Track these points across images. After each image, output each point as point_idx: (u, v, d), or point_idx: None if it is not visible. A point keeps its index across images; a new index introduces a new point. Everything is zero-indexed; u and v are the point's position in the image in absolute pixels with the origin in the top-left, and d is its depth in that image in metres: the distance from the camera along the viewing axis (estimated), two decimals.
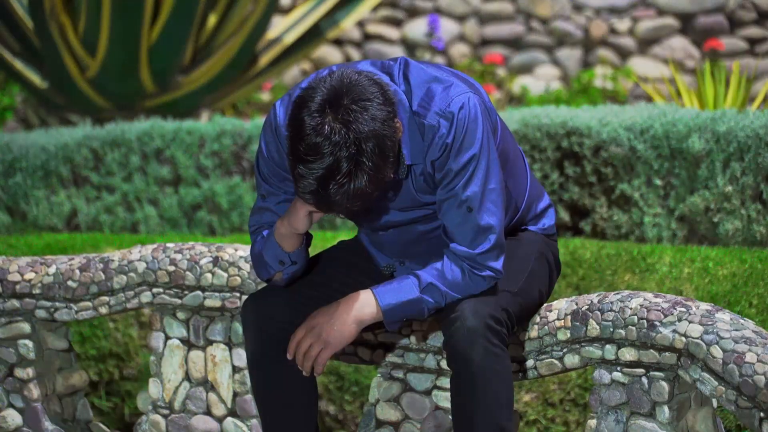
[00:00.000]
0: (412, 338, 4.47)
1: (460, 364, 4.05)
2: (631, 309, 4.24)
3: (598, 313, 4.28)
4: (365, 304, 4.07)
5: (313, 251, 4.30)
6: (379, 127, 3.78)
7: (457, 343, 4.03)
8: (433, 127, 3.94)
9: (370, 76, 3.88)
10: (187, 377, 4.83)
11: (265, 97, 10.58)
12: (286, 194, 4.12)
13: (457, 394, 4.11)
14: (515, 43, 11.46)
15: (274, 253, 4.12)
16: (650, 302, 4.24)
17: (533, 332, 4.36)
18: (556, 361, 4.35)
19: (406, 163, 3.99)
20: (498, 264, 4.07)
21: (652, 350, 4.20)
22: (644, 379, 4.23)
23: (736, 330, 4.15)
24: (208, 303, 4.76)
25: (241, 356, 4.73)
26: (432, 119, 3.94)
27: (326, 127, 3.72)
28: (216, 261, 4.76)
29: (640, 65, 11.35)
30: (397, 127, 3.85)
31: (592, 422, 4.32)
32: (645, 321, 4.21)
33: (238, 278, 4.71)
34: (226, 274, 4.74)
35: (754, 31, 11.54)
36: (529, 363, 4.37)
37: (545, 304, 4.41)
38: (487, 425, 4.10)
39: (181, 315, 4.82)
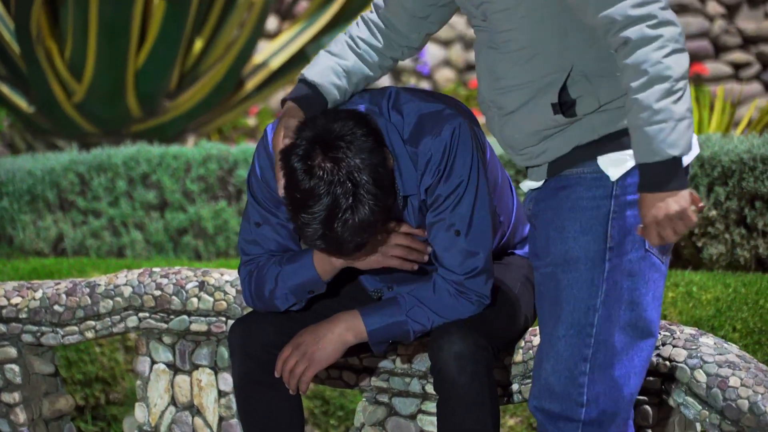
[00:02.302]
0: (398, 362, 4.47)
1: (447, 389, 4.06)
2: None
3: None
4: (351, 325, 4.06)
5: None
6: (368, 156, 3.79)
7: (445, 367, 4.03)
8: (426, 155, 3.95)
9: (349, 111, 3.92)
10: (173, 401, 4.84)
11: (251, 121, 10.60)
12: (279, 219, 4.13)
13: (444, 418, 4.11)
14: None
15: (305, 284, 4.14)
16: None
17: (518, 356, 4.37)
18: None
19: (401, 194, 4.00)
20: (486, 289, 4.08)
21: None
22: None
23: (720, 354, 4.17)
24: (194, 327, 4.77)
25: (226, 380, 4.74)
26: (424, 147, 3.94)
27: (316, 168, 3.74)
28: (202, 285, 4.76)
29: None
30: (386, 156, 3.87)
31: None
32: None
33: (224, 303, 4.72)
34: (212, 299, 4.74)
35: (738, 56, 11.59)
36: (515, 387, 4.38)
37: (530, 328, 4.42)
38: None
39: (167, 339, 4.83)
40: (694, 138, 3.82)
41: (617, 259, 3.74)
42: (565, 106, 3.76)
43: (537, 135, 3.82)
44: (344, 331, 4.07)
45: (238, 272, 4.28)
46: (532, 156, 3.84)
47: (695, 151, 3.83)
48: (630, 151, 3.68)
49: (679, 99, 3.57)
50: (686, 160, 3.74)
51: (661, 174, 3.59)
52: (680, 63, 3.57)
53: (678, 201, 3.60)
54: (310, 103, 3.99)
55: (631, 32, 3.58)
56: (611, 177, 3.74)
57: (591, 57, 3.76)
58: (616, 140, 3.76)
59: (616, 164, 3.76)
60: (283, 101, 4.04)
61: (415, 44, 4.10)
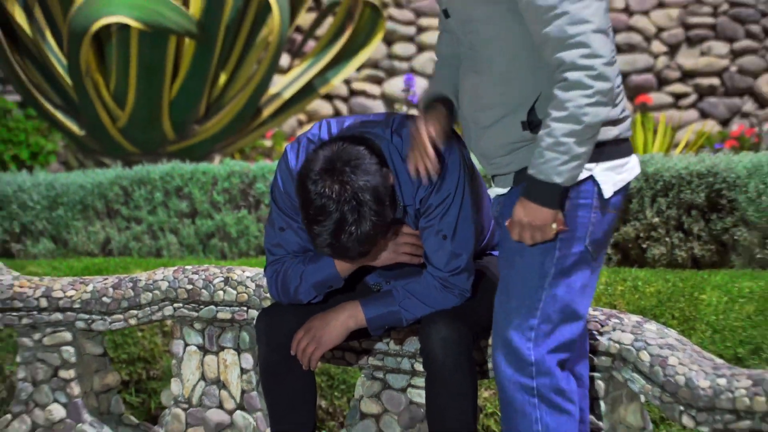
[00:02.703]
0: (391, 344, 4.48)
1: (434, 368, 4.08)
2: None
3: None
4: (353, 313, 4.11)
5: None
6: (371, 179, 3.83)
7: (432, 350, 4.05)
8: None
9: (358, 136, 3.96)
10: (203, 377, 4.84)
11: (267, 143, 10.58)
12: (299, 224, 4.13)
13: (432, 391, 4.12)
14: None
15: (325, 281, 4.17)
16: (589, 315, 4.27)
17: (491, 339, 4.38)
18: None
19: (401, 204, 4.04)
20: (467, 284, 4.12)
21: (590, 354, 4.22)
22: None
23: (661, 338, 4.19)
24: (220, 315, 4.77)
25: (248, 360, 4.74)
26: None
27: (327, 189, 3.78)
28: (227, 280, 4.77)
29: None
30: (386, 175, 3.90)
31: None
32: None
33: (245, 295, 4.72)
34: (235, 292, 4.75)
35: (678, 88, 11.59)
36: (489, 365, 4.39)
37: None
38: (457, 418, 4.13)
39: (197, 326, 4.83)
40: (635, 159, 3.87)
41: (566, 249, 3.78)
42: (532, 124, 3.77)
43: (507, 147, 3.82)
44: (347, 318, 4.12)
45: (264, 271, 4.30)
46: (501, 165, 3.85)
47: (635, 171, 3.87)
48: (590, 166, 3.73)
49: (582, 142, 3.62)
50: (627, 178, 3.81)
51: (540, 191, 3.66)
52: (597, 114, 3.60)
53: (545, 217, 3.68)
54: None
55: (571, 75, 3.60)
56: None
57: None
58: None
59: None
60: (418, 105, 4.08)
61: None
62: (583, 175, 3.73)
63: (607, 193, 3.77)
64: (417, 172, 3.91)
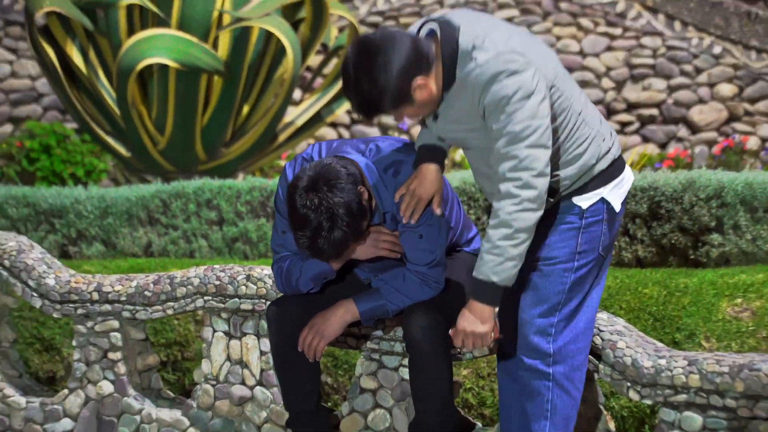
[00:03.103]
0: (385, 331, 4.47)
1: (415, 351, 4.10)
2: None
3: None
4: (348, 309, 4.16)
5: None
6: (346, 196, 3.88)
7: (413, 335, 4.08)
8: (399, 185, 4.05)
9: (339, 159, 3.99)
10: (228, 358, 4.82)
11: (282, 163, 10.58)
12: None
13: (414, 370, 4.15)
14: None
15: (321, 274, 4.20)
16: None
17: None
18: (485, 348, 4.36)
19: (382, 211, 4.07)
20: (441, 277, 4.14)
21: None
22: None
23: (611, 326, 4.17)
24: (243, 307, 4.76)
25: (266, 344, 4.72)
26: (398, 182, 4.04)
27: (308, 203, 3.85)
28: (248, 277, 4.76)
29: None
30: (360, 192, 3.94)
31: None
32: None
33: (263, 289, 4.71)
34: (255, 287, 4.74)
35: (623, 117, 11.59)
36: (463, 348, 4.37)
37: None
38: (434, 393, 4.16)
39: (224, 315, 4.82)
40: (628, 169, 3.91)
41: (583, 260, 3.80)
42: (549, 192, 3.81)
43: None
44: (344, 313, 4.17)
45: (272, 267, 4.33)
46: None
47: (631, 179, 3.92)
48: (591, 193, 3.78)
49: (516, 245, 3.63)
50: (627, 188, 3.87)
51: (481, 290, 3.71)
52: (526, 219, 3.61)
53: (485, 323, 3.71)
54: (435, 153, 3.98)
55: (503, 186, 3.62)
56: (582, 206, 3.79)
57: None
58: (579, 190, 3.79)
59: (587, 200, 3.80)
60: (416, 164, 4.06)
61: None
62: (594, 198, 3.78)
63: (617, 207, 3.83)
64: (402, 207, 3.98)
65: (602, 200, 3.78)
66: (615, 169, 3.81)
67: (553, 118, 3.69)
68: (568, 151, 3.74)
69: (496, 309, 3.72)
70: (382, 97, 3.62)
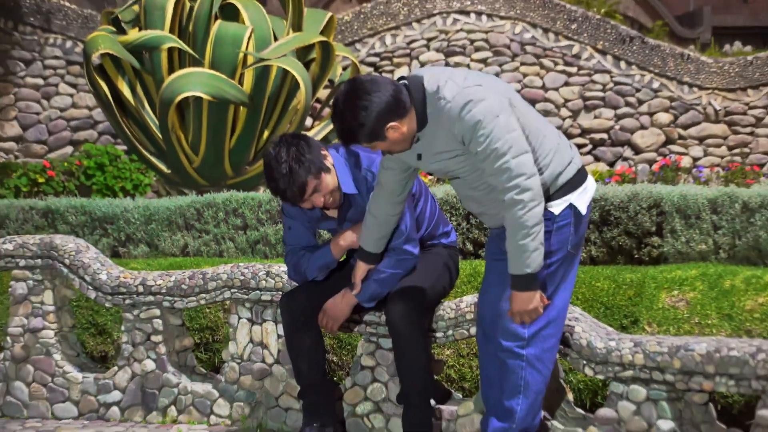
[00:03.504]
0: (381, 318, 4.45)
1: (394, 333, 4.16)
2: None
3: None
4: (349, 294, 4.25)
5: None
6: (308, 155, 4.03)
7: (392, 319, 4.13)
8: (365, 178, 4.19)
9: (316, 141, 4.17)
10: (251, 341, 4.81)
11: None
12: (301, 224, 4.32)
13: (396, 350, 4.19)
14: None
15: (325, 264, 4.28)
16: None
17: (451, 314, 4.35)
18: (464, 331, 4.34)
19: (344, 191, 4.17)
20: (414, 250, 4.21)
21: None
22: None
23: (570, 313, 4.15)
24: (263, 298, 4.75)
25: (282, 329, 4.72)
26: (364, 173, 4.19)
27: (275, 155, 4.02)
28: (268, 273, 4.75)
29: None
30: (325, 156, 4.11)
31: None
32: None
33: (281, 283, 4.70)
34: (273, 281, 4.72)
35: (578, 141, 11.57)
36: (449, 332, 4.36)
37: (458, 298, 4.39)
38: (414, 368, 4.19)
39: (247, 305, 4.80)
40: (591, 176, 3.89)
41: (554, 257, 3.77)
42: None
43: (500, 219, 3.82)
44: (349, 298, 4.26)
45: (284, 259, 4.38)
46: (498, 221, 3.86)
47: (594, 185, 3.90)
48: (561, 199, 3.76)
49: (533, 238, 3.63)
50: (591, 193, 3.84)
51: (522, 282, 3.70)
52: (534, 215, 3.62)
53: (531, 298, 3.70)
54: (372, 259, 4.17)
55: (506, 197, 3.63)
56: (554, 212, 3.76)
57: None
58: (551, 197, 3.77)
59: (558, 206, 3.77)
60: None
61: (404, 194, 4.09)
62: (563, 204, 3.76)
63: (583, 210, 3.80)
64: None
65: (570, 205, 3.76)
66: (580, 177, 3.80)
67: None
68: (537, 162, 3.72)
69: (537, 292, 3.71)
70: (360, 131, 3.65)
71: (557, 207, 3.76)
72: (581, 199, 3.78)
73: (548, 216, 3.75)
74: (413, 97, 3.68)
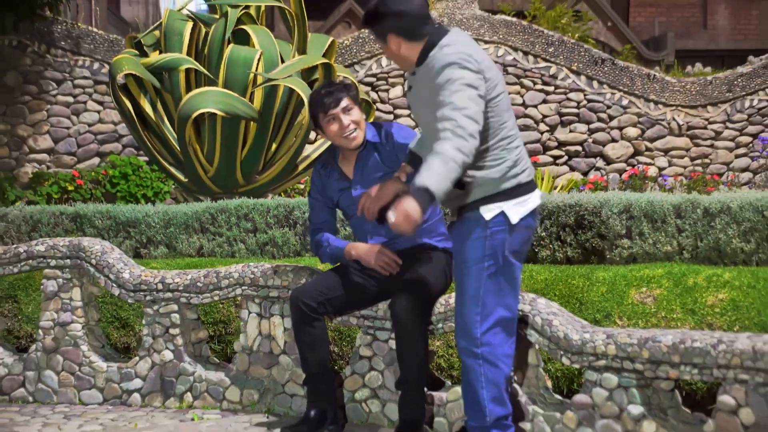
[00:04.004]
0: (378, 312, 4.44)
1: (399, 325, 4.12)
2: None
3: None
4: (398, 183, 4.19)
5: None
6: (350, 87, 4.22)
7: (397, 313, 4.09)
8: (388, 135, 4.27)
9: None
10: (260, 333, 4.79)
11: (301, 186, 10.54)
12: (323, 200, 4.39)
13: (398, 340, 4.16)
14: None
15: (336, 258, 4.35)
16: None
17: (441, 309, 4.33)
18: (453, 324, 4.32)
19: (367, 138, 4.25)
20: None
21: None
22: None
23: (548, 308, 4.13)
24: (271, 294, 4.73)
25: (288, 322, 4.70)
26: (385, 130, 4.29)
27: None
28: (275, 272, 4.72)
29: None
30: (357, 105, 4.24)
31: None
32: None
33: (287, 281, 4.68)
34: (280, 280, 4.70)
35: (555, 152, 11.58)
36: (439, 325, 4.34)
37: (447, 295, 4.37)
38: (413, 356, 4.15)
39: (257, 300, 4.78)
40: (536, 194, 3.78)
41: (492, 261, 3.71)
42: (458, 184, 3.68)
43: (448, 196, 3.70)
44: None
45: (310, 235, 4.46)
46: (451, 203, 3.79)
47: (536, 202, 3.79)
48: (494, 205, 3.65)
49: (447, 168, 3.40)
50: (530, 207, 3.73)
51: (419, 193, 3.40)
52: (458, 156, 3.42)
53: (413, 214, 3.40)
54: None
55: (441, 133, 3.46)
56: (486, 217, 3.67)
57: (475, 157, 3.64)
58: (487, 198, 3.68)
59: (490, 212, 3.69)
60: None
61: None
62: (496, 210, 3.67)
63: (514, 220, 3.70)
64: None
65: (502, 213, 3.67)
66: (520, 191, 3.69)
67: (484, 129, 3.60)
68: (483, 159, 3.64)
69: (423, 214, 3.45)
70: (373, 14, 3.67)
71: (489, 213, 3.67)
72: (515, 209, 3.69)
73: (481, 222, 3.67)
74: (429, 39, 3.64)
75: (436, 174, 3.40)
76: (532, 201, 3.75)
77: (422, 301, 4.13)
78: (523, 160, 3.76)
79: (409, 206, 3.40)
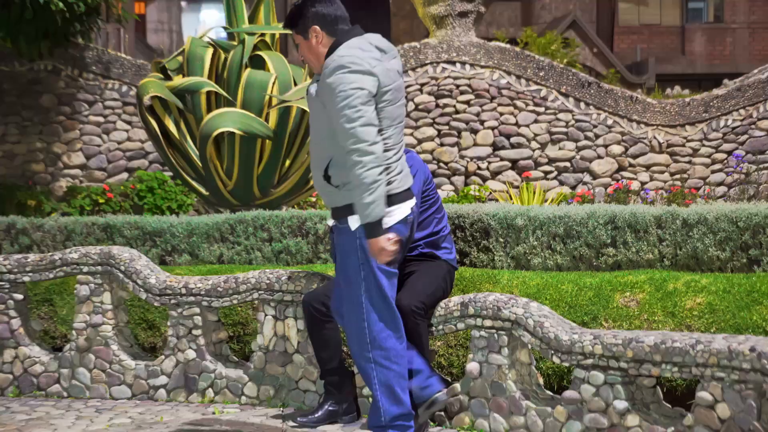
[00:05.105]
0: None
1: (405, 323, 4.08)
2: (489, 301, 4.20)
3: (474, 303, 4.24)
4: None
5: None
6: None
7: (404, 312, 4.07)
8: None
9: None
10: (275, 334, 4.79)
11: (313, 199, 10.55)
12: None
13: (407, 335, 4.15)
14: (432, 174, 11.49)
15: None
16: (498, 297, 4.21)
17: (442, 311, 4.33)
18: (452, 326, 4.32)
19: None
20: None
21: (499, 321, 4.16)
22: (495, 335, 4.19)
23: (540, 311, 4.14)
24: (286, 298, 4.73)
25: (301, 324, 4.69)
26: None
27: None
28: (289, 278, 4.72)
29: (492, 185, 11.37)
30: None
31: (470, 355, 4.28)
32: (495, 306, 4.17)
33: (300, 286, 4.68)
34: (294, 285, 4.70)
35: (546, 168, 11.57)
36: (440, 327, 4.34)
37: (447, 298, 4.38)
38: (416, 349, 4.12)
39: (272, 304, 4.78)
40: (406, 204, 3.68)
41: (367, 269, 3.64)
42: (327, 177, 3.67)
43: (323, 189, 3.69)
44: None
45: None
46: (331, 201, 3.72)
47: (404, 212, 3.68)
48: (356, 217, 3.60)
49: (371, 193, 3.48)
50: (397, 217, 3.65)
51: (368, 229, 3.53)
52: (372, 174, 3.46)
53: (381, 243, 3.55)
54: None
55: (350, 159, 3.49)
56: (352, 227, 3.63)
57: (338, 155, 3.61)
58: (352, 209, 3.62)
59: (356, 221, 3.63)
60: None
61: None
62: (359, 221, 3.60)
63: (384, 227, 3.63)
64: None
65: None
66: (389, 201, 3.62)
67: None
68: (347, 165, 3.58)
69: (384, 236, 3.56)
70: (297, 11, 3.64)
71: (354, 222, 3.62)
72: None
73: (350, 233, 3.62)
74: (339, 36, 3.62)
75: (365, 207, 3.49)
76: (399, 212, 3.67)
77: (423, 303, 4.14)
78: (392, 173, 3.66)
79: (372, 244, 3.54)
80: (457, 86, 11.59)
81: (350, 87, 3.49)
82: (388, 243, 3.55)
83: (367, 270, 3.62)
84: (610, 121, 11.54)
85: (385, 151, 3.60)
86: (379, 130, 3.57)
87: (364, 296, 3.63)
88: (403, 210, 3.68)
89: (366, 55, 3.55)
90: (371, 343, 3.63)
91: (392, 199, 3.65)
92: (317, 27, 3.65)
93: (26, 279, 5.31)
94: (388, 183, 3.62)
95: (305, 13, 3.65)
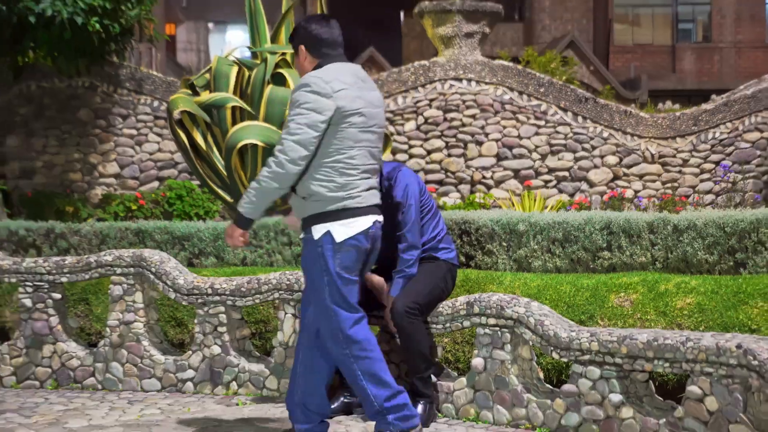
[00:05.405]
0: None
1: (397, 327, 4.13)
2: (493, 300, 4.19)
3: (479, 302, 4.23)
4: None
5: None
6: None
7: (397, 316, 4.09)
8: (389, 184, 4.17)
9: None
10: (294, 331, 4.78)
11: None
12: None
13: (400, 339, 4.19)
14: (440, 183, 11.47)
15: None
16: (501, 297, 4.19)
17: (448, 310, 4.32)
18: (459, 324, 4.31)
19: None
20: (414, 256, 4.14)
21: (502, 319, 4.14)
22: (499, 332, 4.18)
23: (540, 310, 4.12)
24: None
25: None
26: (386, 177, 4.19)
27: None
28: None
29: (496, 193, 11.34)
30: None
31: (475, 351, 4.26)
32: (499, 305, 4.15)
33: None
34: None
35: (546, 177, 11.54)
36: (447, 324, 4.33)
37: (453, 298, 4.37)
38: (415, 354, 4.15)
39: (291, 303, 4.78)
40: (365, 219, 3.61)
41: (328, 276, 3.58)
42: (293, 189, 3.64)
43: (292, 200, 3.69)
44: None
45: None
46: (298, 211, 3.69)
47: (364, 225, 3.61)
48: (321, 225, 3.56)
49: (255, 194, 3.55)
50: (357, 229, 3.58)
51: (236, 216, 3.61)
52: (268, 186, 3.49)
53: (233, 234, 3.65)
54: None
55: (269, 159, 3.51)
56: (315, 237, 3.58)
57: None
58: (317, 218, 3.58)
59: (318, 231, 3.58)
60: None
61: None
62: (323, 230, 3.56)
63: (338, 239, 3.56)
64: None
65: (329, 233, 3.55)
66: (345, 214, 3.56)
67: (324, 147, 3.54)
68: (318, 172, 3.55)
69: (242, 230, 3.62)
70: (295, 32, 3.69)
71: (318, 232, 3.57)
72: (341, 230, 3.56)
73: (313, 242, 3.57)
74: (322, 59, 3.64)
75: (247, 197, 3.56)
76: (359, 224, 3.61)
77: (416, 304, 4.12)
78: (355, 189, 3.61)
79: (229, 228, 3.65)
80: (464, 101, 11.59)
81: (305, 105, 3.51)
82: (238, 236, 3.64)
83: (329, 277, 3.58)
84: (605, 134, 11.52)
85: (350, 169, 3.57)
86: (338, 149, 3.55)
87: (329, 300, 3.59)
88: (362, 223, 3.62)
89: (332, 79, 3.54)
90: (346, 341, 3.59)
91: (354, 212, 3.60)
92: (302, 47, 3.68)
93: (64, 280, 5.33)
94: (348, 197, 3.59)
95: (299, 31, 3.70)
